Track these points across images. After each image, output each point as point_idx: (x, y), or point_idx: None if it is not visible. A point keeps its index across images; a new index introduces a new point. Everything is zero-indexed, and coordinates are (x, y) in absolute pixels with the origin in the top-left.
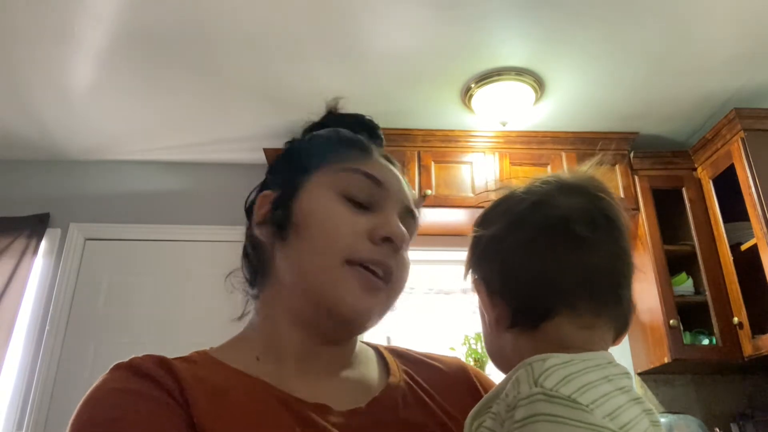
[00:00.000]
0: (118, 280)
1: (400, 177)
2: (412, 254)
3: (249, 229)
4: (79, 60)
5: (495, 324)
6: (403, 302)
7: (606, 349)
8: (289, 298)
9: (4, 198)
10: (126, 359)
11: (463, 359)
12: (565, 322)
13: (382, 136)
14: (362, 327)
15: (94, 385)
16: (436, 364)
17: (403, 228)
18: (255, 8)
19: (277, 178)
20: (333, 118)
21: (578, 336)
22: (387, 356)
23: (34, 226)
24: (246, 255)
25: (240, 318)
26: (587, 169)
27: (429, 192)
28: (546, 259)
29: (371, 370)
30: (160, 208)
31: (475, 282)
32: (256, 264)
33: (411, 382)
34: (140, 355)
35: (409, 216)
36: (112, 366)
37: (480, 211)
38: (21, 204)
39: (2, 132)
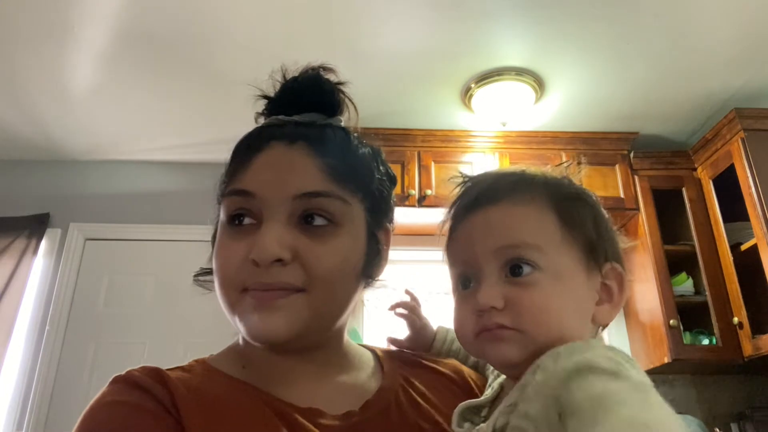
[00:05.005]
0: (118, 280)
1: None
2: (413, 255)
3: None
4: (79, 60)
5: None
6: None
7: None
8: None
9: (4, 198)
10: (123, 371)
11: None
12: None
13: (337, 102)
14: (286, 342)
15: (95, 398)
16: (433, 365)
17: (272, 241)
18: (255, 8)
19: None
20: (282, 94)
21: None
22: (383, 359)
23: (34, 226)
24: None
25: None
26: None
27: (429, 192)
28: None
29: (367, 374)
30: (161, 208)
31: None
32: None
33: (406, 385)
34: (137, 367)
35: (311, 197)
36: (111, 379)
37: None
38: (21, 204)
39: (2, 132)
